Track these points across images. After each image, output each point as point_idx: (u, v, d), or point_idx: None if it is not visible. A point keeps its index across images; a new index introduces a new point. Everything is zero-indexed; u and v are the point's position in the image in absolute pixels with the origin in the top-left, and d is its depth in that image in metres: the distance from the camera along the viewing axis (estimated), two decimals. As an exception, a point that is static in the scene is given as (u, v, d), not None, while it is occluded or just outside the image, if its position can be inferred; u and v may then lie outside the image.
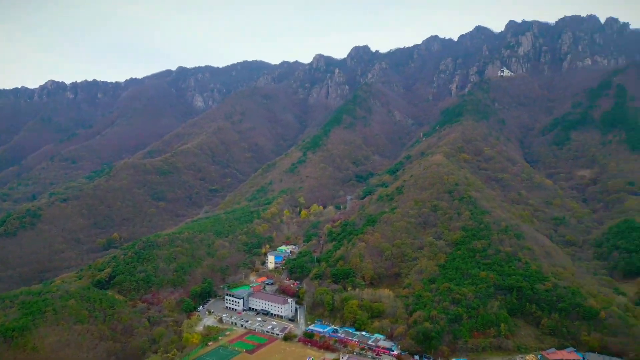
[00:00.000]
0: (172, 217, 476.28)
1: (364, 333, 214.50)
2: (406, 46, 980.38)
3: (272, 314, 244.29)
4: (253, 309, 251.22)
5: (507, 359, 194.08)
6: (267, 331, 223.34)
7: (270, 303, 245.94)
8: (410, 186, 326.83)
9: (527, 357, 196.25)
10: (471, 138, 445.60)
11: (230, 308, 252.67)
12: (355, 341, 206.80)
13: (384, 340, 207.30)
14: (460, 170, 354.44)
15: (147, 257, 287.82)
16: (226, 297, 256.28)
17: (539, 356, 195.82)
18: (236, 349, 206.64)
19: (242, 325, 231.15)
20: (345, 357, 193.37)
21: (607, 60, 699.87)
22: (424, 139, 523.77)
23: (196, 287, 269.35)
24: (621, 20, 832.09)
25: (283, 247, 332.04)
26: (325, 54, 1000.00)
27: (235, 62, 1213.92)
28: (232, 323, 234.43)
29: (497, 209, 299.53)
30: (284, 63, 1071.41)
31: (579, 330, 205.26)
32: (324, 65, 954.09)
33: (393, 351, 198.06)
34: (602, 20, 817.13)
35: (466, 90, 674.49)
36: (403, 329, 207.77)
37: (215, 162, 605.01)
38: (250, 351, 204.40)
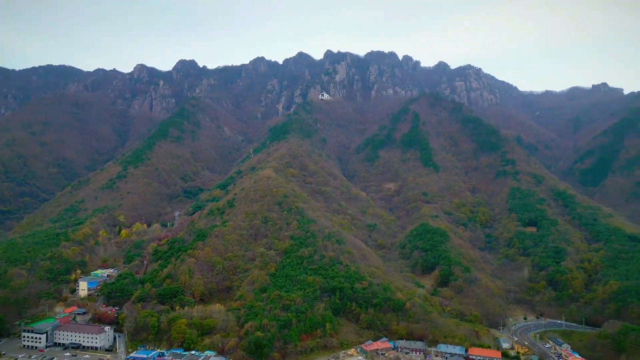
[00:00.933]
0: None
1: (193, 352, 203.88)
2: (234, 64, 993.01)
3: (84, 346, 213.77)
4: (60, 344, 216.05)
5: (332, 356, 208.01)
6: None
7: (81, 334, 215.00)
8: (242, 199, 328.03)
9: (349, 352, 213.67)
10: (297, 154, 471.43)
11: (28, 347, 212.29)
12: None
13: (215, 356, 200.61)
14: (289, 184, 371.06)
15: None
16: (23, 333, 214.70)
17: (358, 349, 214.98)
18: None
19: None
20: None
21: (405, 91, 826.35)
22: (253, 154, 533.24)
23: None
24: (414, 58, 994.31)
25: (98, 272, 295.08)
26: (148, 64, 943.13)
27: (36, 65, 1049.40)
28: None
29: (321, 218, 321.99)
30: (99, 70, 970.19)
31: (390, 322, 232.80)
32: (146, 76, 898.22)
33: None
34: (400, 57, 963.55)
35: (292, 110, 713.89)
36: (234, 342, 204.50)
37: (8, 179, 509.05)
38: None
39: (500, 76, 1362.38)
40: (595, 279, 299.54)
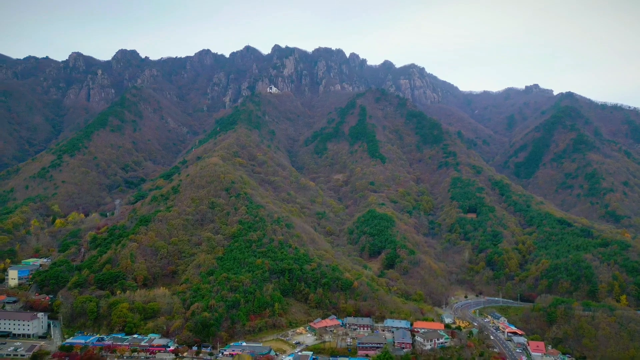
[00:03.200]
0: None
1: (135, 336, 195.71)
2: (178, 56, 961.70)
3: (15, 334, 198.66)
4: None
5: (280, 334, 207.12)
6: (7, 354, 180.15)
7: (11, 322, 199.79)
8: (187, 185, 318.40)
9: (298, 330, 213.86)
10: (245, 144, 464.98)
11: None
12: (126, 345, 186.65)
13: (159, 338, 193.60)
14: (237, 171, 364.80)
15: None
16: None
17: (307, 328, 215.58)
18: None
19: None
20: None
21: (352, 87, 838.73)
22: (199, 145, 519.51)
23: None
24: (361, 56, 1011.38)
25: (30, 260, 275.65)
26: (85, 53, 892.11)
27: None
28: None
29: (270, 204, 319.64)
30: (30, 58, 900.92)
31: (338, 300, 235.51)
32: (83, 65, 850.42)
33: (169, 347, 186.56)
34: (347, 54, 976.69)
35: (239, 102, 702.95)
36: (180, 323, 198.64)
37: None
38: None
39: (442, 76, 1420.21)
40: (529, 259, 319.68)
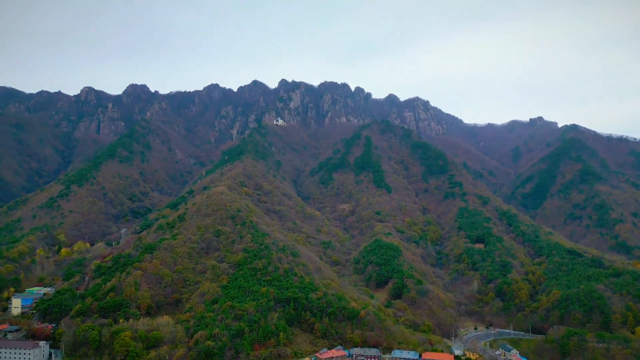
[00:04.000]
0: None
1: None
2: (187, 90, 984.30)
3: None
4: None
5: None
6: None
7: (12, 350, 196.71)
8: (193, 214, 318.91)
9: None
10: (252, 174, 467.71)
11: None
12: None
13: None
14: (243, 200, 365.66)
15: None
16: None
17: (313, 358, 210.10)
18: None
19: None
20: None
21: (357, 119, 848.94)
22: (206, 175, 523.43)
23: None
24: (366, 90, 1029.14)
25: (34, 289, 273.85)
26: (96, 88, 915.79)
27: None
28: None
29: (275, 232, 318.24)
30: (42, 92, 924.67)
31: (345, 330, 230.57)
32: (94, 98, 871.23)
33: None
34: (352, 88, 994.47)
35: (246, 134, 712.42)
36: (183, 352, 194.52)
37: None
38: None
39: (446, 109, 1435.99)
40: (539, 289, 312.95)
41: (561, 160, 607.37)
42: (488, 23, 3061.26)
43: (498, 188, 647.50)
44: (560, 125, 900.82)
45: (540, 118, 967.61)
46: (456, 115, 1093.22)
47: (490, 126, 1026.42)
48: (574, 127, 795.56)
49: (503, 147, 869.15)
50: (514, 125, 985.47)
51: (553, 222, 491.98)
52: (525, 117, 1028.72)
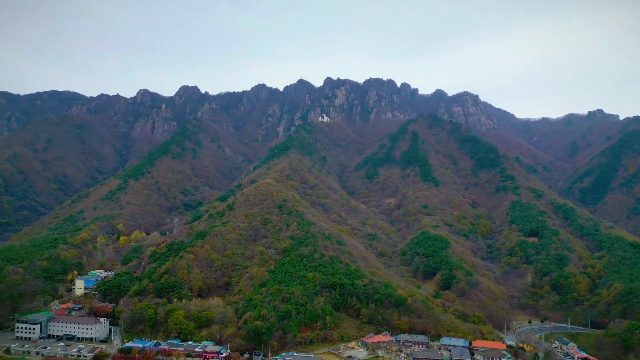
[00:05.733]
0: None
1: (190, 343, 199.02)
2: (236, 91, 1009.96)
3: (79, 338, 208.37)
4: (54, 336, 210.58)
5: (332, 348, 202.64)
6: (71, 355, 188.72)
7: (76, 325, 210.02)
8: (242, 203, 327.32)
9: (350, 345, 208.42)
10: (297, 168, 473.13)
11: (22, 338, 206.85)
12: (181, 350, 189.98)
13: (213, 345, 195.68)
14: (289, 191, 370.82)
15: None
16: (17, 324, 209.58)
17: (359, 342, 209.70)
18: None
19: (38, 353, 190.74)
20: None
21: (403, 115, 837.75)
22: (253, 170, 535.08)
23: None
24: (412, 86, 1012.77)
25: (95, 272, 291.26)
26: (151, 90, 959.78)
27: (41, 90, 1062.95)
28: (23, 352, 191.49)
29: (321, 222, 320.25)
30: (102, 95, 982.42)
31: (391, 317, 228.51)
32: (149, 100, 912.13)
33: (222, 354, 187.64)
34: (398, 84, 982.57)
35: (292, 131, 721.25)
36: (232, 331, 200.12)
37: (8, 193, 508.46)
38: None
39: (497, 105, 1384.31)
40: (599, 283, 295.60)
41: (623, 153, 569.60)
42: (542, 15, 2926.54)
43: (553, 183, 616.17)
44: (622, 118, 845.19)
45: (600, 110, 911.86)
46: (508, 110, 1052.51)
47: (544, 120, 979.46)
48: (638, 119, 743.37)
49: (559, 141, 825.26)
50: (570, 118, 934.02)
51: (615, 218, 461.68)
52: (583, 111, 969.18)
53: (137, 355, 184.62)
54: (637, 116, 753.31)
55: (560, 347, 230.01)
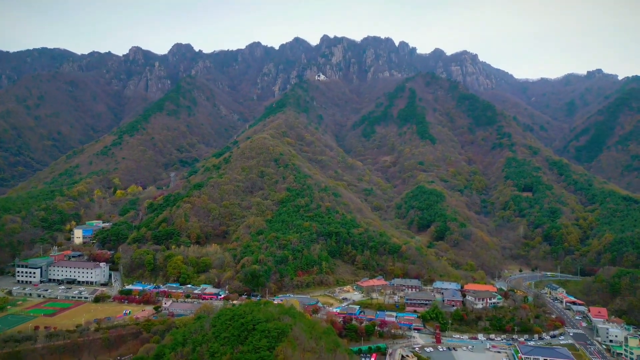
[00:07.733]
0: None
1: (189, 286, 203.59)
2: (230, 49, 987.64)
3: (80, 281, 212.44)
4: (55, 280, 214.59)
5: (328, 291, 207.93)
6: (72, 297, 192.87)
7: (77, 270, 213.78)
8: (238, 156, 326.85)
9: (345, 288, 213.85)
10: (294, 125, 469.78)
11: (23, 282, 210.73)
12: (180, 292, 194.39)
13: (211, 288, 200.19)
14: (285, 146, 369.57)
15: None
16: (17, 269, 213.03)
17: (354, 286, 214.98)
18: (31, 314, 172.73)
19: (39, 295, 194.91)
20: (169, 303, 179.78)
21: (401, 74, 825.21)
22: (249, 128, 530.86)
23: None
24: (410, 45, 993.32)
25: (93, 222, 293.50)
26: (143, 47, 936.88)
27: (30, 47, 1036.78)
28: (25, 294, 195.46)
29: (317, 175, 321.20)
30: (93, 53, 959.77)
31: (386, 263, 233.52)
32: (142, 58, 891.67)
33: (220, 295, 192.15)
34: (397, 43, 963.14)
35: (288, 89, 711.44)
36: (231, 275, 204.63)
37: (2, 149, 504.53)
38: (51, 315, 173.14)
39: (495, 65, 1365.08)
40: (590, 234, 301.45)
41: (621, 112, 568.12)
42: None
43: (550, 142, 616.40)
44: (621, 78, 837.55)
45: (599, 70, 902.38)
46: (506, 71, 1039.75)
47: (543, 81, 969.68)
48: (637, 79, 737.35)
49: (557, 101, 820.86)
50: (569, 78, 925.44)
51: (609, 175, 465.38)
52: (582, 70, 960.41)
53: (137, 297, 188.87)
54: (636, 76, 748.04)
55: (550, 292, 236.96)
